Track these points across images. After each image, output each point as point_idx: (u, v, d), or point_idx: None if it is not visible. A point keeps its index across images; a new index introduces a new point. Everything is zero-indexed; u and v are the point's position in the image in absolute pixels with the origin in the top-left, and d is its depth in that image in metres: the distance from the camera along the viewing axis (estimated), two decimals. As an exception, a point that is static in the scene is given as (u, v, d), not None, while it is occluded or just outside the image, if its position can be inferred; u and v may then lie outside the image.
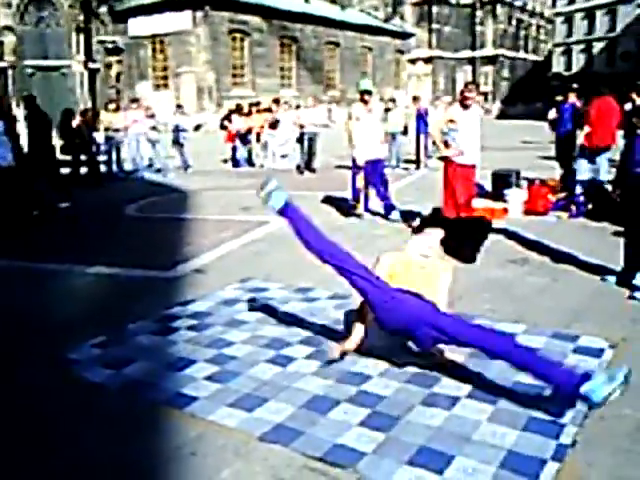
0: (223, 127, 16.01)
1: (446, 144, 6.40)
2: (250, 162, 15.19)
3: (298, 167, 13.55)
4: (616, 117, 7.74)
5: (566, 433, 2.61)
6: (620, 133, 8.06)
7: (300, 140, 13.58)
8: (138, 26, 37.77)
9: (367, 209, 7.92)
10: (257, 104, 16.69)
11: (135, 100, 14.89)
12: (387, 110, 13.55)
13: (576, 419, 2.72)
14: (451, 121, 6.31)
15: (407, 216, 7.65)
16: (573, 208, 7.46)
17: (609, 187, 6.84)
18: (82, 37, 38.14)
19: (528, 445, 2.53)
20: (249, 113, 15.35)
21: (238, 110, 15.32)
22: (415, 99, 14.92)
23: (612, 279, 4.71)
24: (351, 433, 2.67)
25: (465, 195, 6.28)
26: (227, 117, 15.74)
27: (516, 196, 7.79)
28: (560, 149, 10.29)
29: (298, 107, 15.01)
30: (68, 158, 12.50)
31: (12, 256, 6.31)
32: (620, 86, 12.20)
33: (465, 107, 6.21)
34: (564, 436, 2.59)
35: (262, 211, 8.40)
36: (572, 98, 9.97)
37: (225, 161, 15.69)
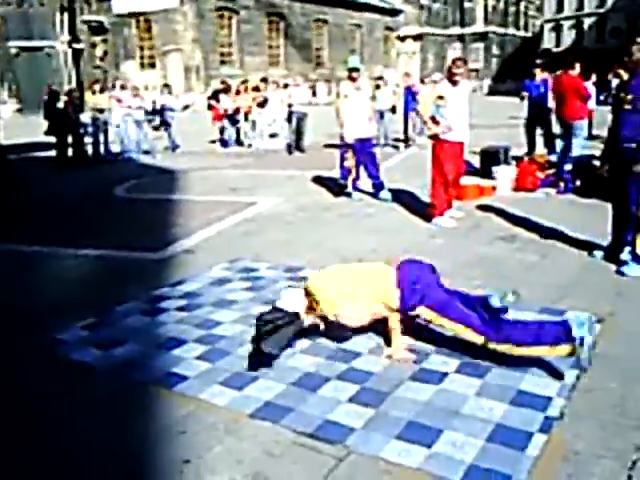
0: (210, 107, 15.87)
1: (434, 121, 6.32)
2: (239, 142, 15.08)
3: (287, 147, 13.47)
4: (581, 92, 7.75)
5: (553, 406, 2.64)
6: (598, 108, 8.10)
7: (289, 119, 13.48)
8: (123, 4, 37.15)
9: (356, 188, 7.90)
10: (245, 82, 16.51)
11: (122, 86, 14.62)
12: (377, 87, 13.46)
13: (563, 392, 2.76)
14: (440, 97, 6.20)
15: (395, 193, 7.65)
16: (561, 184, 7.48)
17: (597, 163, 6.85)
18: (66, 17, 37.53)
19: (516, 418, 2.56)
20: (238, 92, 15.19)
21: (225, 90, 15.15)
22: (407, 74, 14.82)
23: (600, 254, 4.74)
24: (341, 409, 2.69)
25: (453, 173, 6.23)
26: (213, 96, 15.59)
27: (505, 173, 7.80)
28: (529, 125, 10.36)
29: (286, 86, 14.85)
30: (53, 140, 12.39)
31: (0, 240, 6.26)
32: (610, 62, 12.18)
33: (454, 83, 6.14)
34: (551, 409, 2.62)
35: (250, 192, 8.43)
36: (540, 74, 10.01)
37: (213, 142, 15.57)
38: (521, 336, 2.93)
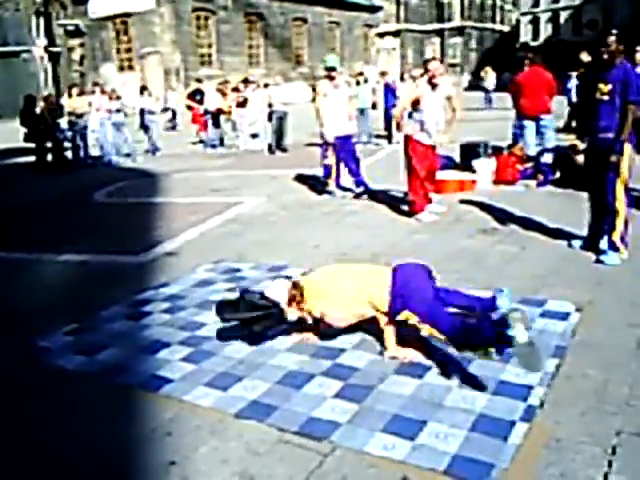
0: (189, 107, 15.86)
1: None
2: (221, 143, 15.02)
3: (269, 147, 13.46)
4: (548, 86, 7.83)
5: (534, 394, 2.69)
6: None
7: (270, 119, 13.46)
8: (99, 7, 36.83)
9: (339, 185, 7.92)
10: (225, 83, 16.45)
11: (96, 84, 14.56)
12: (357, 83, 13.50)
13: (544, 380, 2.80)
14: (416, 101, 6.12)
15: (376, 190, 7.69)
16: (540, 176, 7.56)
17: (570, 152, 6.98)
18: (42, 21, 37.12)
19: (498, 408, 2.60)
20: (224, 94, 15.09)
21: (222, 92, 15.04)
22: (382, 74, 14.87)
23: (578, 244, 4.81)
24: (326, 405, 2.71)
25: (426, 169, 6.23)
26: (192, 96, 15.62)
27: (485, 166, 7.86)
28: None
29: (267, 86, 14.82)
30: (32, 146, 12.26)
31: (-21, 247, 6.19)
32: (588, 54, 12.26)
33: (432, 86, 6.04)
34: (532, 397, 2.66)
35: (233, 192, 8.41)
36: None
37: (194, 143, 15.54)
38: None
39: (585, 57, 9.32)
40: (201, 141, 15.12)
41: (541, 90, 7.75)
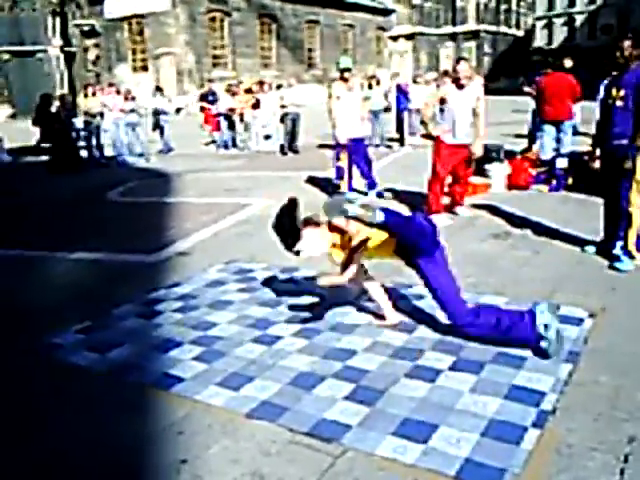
0: (202, 109, 15.99)
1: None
2: (234, 144, 15.09)
3: (281, 148, 13.49)
4: (571, 91, 7.80)
5: (546, 400, 2.67)
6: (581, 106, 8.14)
7: (282, 120, 13.49)
8: (114, 8, 37.11)
9: (351, 188, 7.92)
10: (239, 84, 16.54)
11: (111, 84, 14.69)
12: (369, 87, 13.50)
13: (556, 386, 2.78)
14: (442, 100, 6.17)
15: (389, 193, 7.70)
16: (554, 181, 7.52)
17: (586, 158, 6.93)
18: (58, 21, 37.47)
19: (510, 413, 2.59)
20: (234, 94, 15.16)
21: (232, 92, 15.12)
22: (395, 75, 14.87)
23: (592, 249, 4.78)
24: (336, 407, 2.71)
25: (446, 173, 6.26)
26: (204, 98, 15.74)
27: (498, 171, 7.84)
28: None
29: (279, 87, 14.86)
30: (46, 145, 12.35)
31: (-6, 244, 6.25)
32: (601, 59, 12.22)
33: (459, 87, 6.07)
34: (545, 403, 2.65)
35: (245, 193, 8.43)
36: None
37: (207, 144, 15.63)
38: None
39: (568, 63, 9.21)
40: (213, 141, 15.19)
41: (564, 95, 7.71)
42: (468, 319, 3.14)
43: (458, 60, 6.29)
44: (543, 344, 3.01)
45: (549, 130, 7.88)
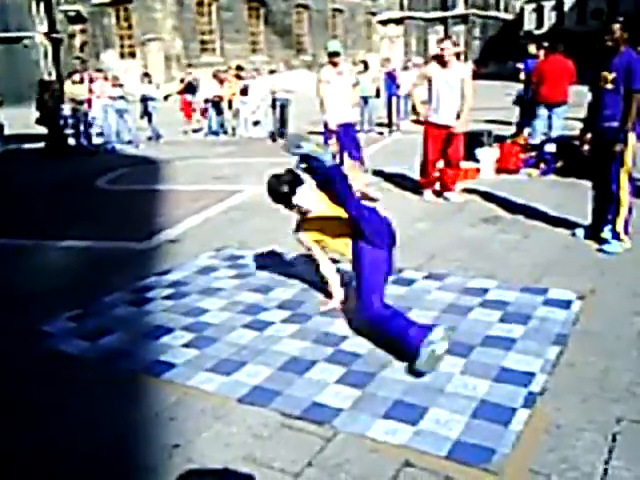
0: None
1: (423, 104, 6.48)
2: (224, 131, 14.99)
3: (271, 134, 13.42)
4: (568, 74, 7.83)
5: (536, 381, 2.70)
6: (578, 89, 8.19)
7: (272, 106, 13.41)
8: (100, -8, 36.59)
9: (341, 173, 7.90)
10: (227, 70, 16.39)
11: (99, 70, 14.53)
12: (360, 72, 13.42)
13: (545, 368, 2.81)
14: (427, 78, 6.24)
15: (379, 178, 7.70)
16: (543, 165, 7.55)
17: (576, 142, 6.96)
18: (43, 7, 36.94)
19: (499, 394, 2.61)
20: (221, 80, 15.03)
21: (220, 79, 14.98)
22: (386, 60, 14.79)
23: (581, 233, 4.81)
24: (328, 391, 2.72)
25: (435, 155, 6.39)
26: (186, 90, 15.51)
27: (488, 155, 7.84)
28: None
29: (272, 72, 14.75)
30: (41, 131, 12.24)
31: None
32: (591, 44, 12.20)
33: (443, 64, 6.12)
34: (534, 384, 2.68)
35: (235, 180, 8.40)
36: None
37: (185, 132, 15.47)
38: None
39: (533, 49, 9.20)
40: (194, 130, 15.16)
41: (561, 79, 7.72)
42: (378, 312, 3.04)
43: (442, 39, 6.33)
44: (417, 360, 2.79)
45: (542, 113, 7.93)
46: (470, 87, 6.23)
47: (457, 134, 6.28)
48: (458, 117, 6.19)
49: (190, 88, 15.74)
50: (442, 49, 6.12)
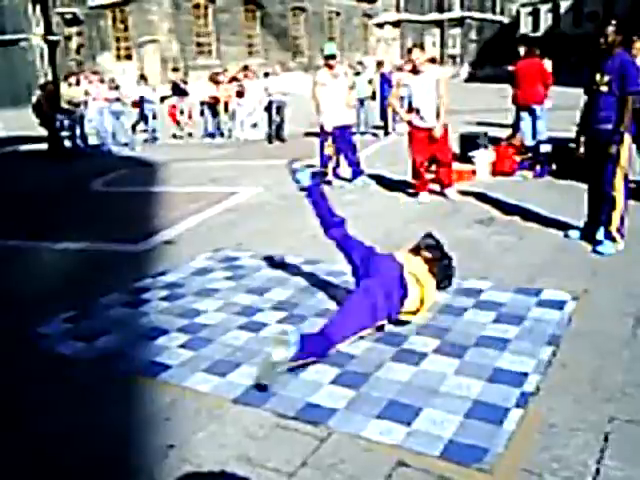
0: (163, 100, 15.60)
1: (409, 109, 6.57)
2: (221, 133, 14.99)
3: (268, 136, 13.44)
4: (542, 77, 7.91)
5: (529, 381, 2.72)
6: (572, 91, 8.28)
7: (268, 109, 13.42)
8: (97, -5, 36.55)
9: (336, 175, 7.93)
10: (224, 72, 16.39)
11: (95, 73, 14.53)
12: (357, 74, 13.47)
13: (538, 368, 2.83)
14: (405, 85, 6.50)
15: (375, 181, 7.72)
16: (538, 167, 7.58)
17: (572, 145, 6.99)
18: (39, 9, 36.84)
19: (493, 395, 2.63)
20: (217, 82, 15.00)
21: (215, 81, 14.94)
22: (379, 64, 14.83)
23: (575, 234, 4.83)
24: (322, 391, 2.74)
25: (423, 156, 6.57)
26: (174, 92, 15.27)
27: (483, 157, 7.87)
28: None
29: (267, 75, 14.76)
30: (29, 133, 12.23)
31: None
32: (586, 46, 12.26)
33: (415, 72, 6.31)
34: (527, 384, 2.69)
35: (231, 182, 8.41)
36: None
37: (174, 136, 15.33)
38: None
39: (522, 51, 9.28)
40: (174, 136, 14.90)
41: (535, 80, 7.81)
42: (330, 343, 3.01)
43: (410, 49, 6.54)
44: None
45: (524, 116, 8.04)
46: (445, 87, 6.38)
47: (439, 136, 6.37)
48: (437, 117, 6.31)
49: (176, 90, 15.40)
50: (412, 59, 6.32)
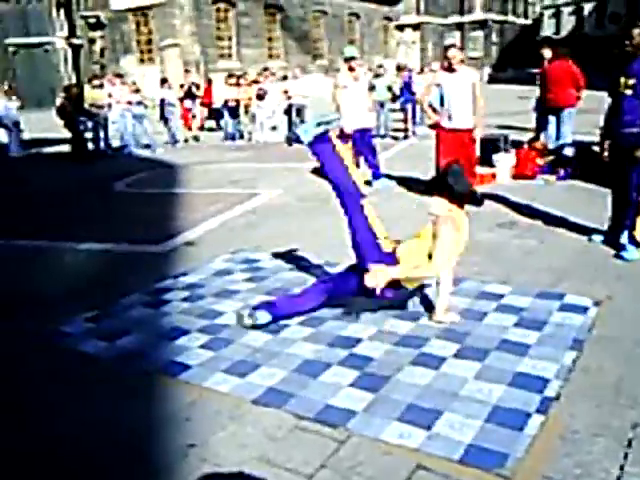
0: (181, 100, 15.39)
1: (433, 110, 6.52)
2: (240, 135, 15.08)
3: (287, 139, 13.44)
4: (573, 79, 7.79)
5: (550, 387, 2.69)
6: (595, 94, 8.16)
7: (288, 111, 13.46)
8: (120, -1, 37.00)
9: (356, 178, 7.91)
10: (244, 75, 16.50)
11: (118, 75, 14.71)
12: (377, 76, 13.45)
13: (560, 373, 2.80)
14: (437, 85, 6.42)
15: (395, 182, 7.71)
16: (561, 171, 7.50)
17: (596, 148, 6.88)
18: (63, 12, 37.41)
19: (513, 399, 2.61)
20: (238, 85, 15.07)
21: (236, 83, 14.96)
22: (399, 68, 14.78)
23: (599, 239, 4.77)
24: (342, 394, 2.74)
25: (449, 157, 6.39)
26: (188, 95, 15.24)
27: (504, 161, 7.81)
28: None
29: (285, 78, 14.82)
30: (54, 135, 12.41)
31: (1, 235, 6.29)
32: (609, 48, 12.10)
33: (450, 71, 6.27)
34: (548, 390, 2.67)
35: (251, 184, 8.45)
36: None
37: (186, 140, 15.10)
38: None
39: (547, 53, 9.14)
40: (185, 140, 14.91)
41: (566, 82, 7.70)
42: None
43: (448, 47, 6.51)
44: None
45: (552, 119, 7.94)
46: (480, 91, 6.39)
47: (473, 139, 6.36)
48: (474, 122, 6.26)
49: (190, 94, 15.32)
50: (449, 57, 6.30)
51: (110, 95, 13.31)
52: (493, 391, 2.68)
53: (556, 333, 3.21)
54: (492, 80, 48.02)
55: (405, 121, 13.63)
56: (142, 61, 38.03)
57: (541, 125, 9.17)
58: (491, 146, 8.35)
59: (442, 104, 6.46)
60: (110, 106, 13.35)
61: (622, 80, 4.44)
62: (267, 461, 2.31)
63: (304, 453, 2.34)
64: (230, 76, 15.42)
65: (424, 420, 2.49)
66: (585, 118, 10.37)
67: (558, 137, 7.92)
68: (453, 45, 6.57)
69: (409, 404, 2.62)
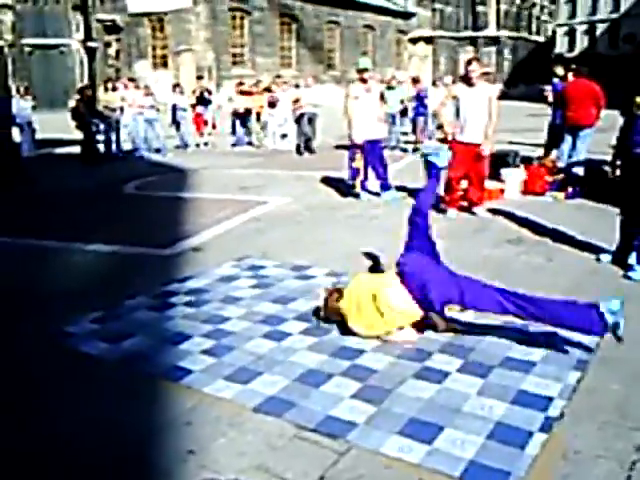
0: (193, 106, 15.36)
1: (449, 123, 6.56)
2: (250, 142, 15.14)
3: (297, 147, 13.51)
4: (594, 98, 7.73)
5: (554, 406, 2.67)
6: (609, 113, 8.11)
7: (299, 120, 13.50)
8: (137, 4, 37.33)
9: (365, 189, 7.93)
10: (257, 83, 16.57)
11: (132, 80, 14.81)
12: (390, 88, 13.49)
13: (564, 393, 2.78)
14: (454, 98, 6.43)
15: (403, 194, 7.70)
16: (570, 189, 7.47)
17: (607, 168, 6.87)
18: (80, 15, 37.79)
19: (516, 417, 2.59)
20: (250, 93, 15.15)
21: (247, 92, 15.02)
22: (414, 81, 14.80)
23: (607, 258, 4.75)
24: (343, 405, 2.72)
25: (460, 172, 6.46)
26: (199, 101, 15.28)
27: (513, 176, 7.80)
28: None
29: (297, 86, 14.87)
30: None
31: (10, 234, 6.33)
32: (623, 68, 12.07)
33: (469, 84, 6.27)
34: (552, 409, 2.64)
35: (260, 191, 8.47)
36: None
37: (197, 145, 15.11)
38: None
39: (560, 71, 9.11)
40: (197, 145, 14.96)
41: (586, 102, 7.64)
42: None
43: (470, 61, 6.48)
44: None
45: (568, 138, 7.87)
46: (496, 107, 6.34)
47: (487, 153, 6.37)
48: (485, 136, 6.26)
49: (202, 100, 15.34)
50: (470, 70, 6.28)
51: (123, 98, 13.40)
52: (495, 408, 2.66)
53: (561, 352, 3.19)
54: (503, 96, 48.04)
55: (415, 132, 13.65)
56: (156, 66, 38.30)
57: (552, 142, 9.16)
58: (500, 161, 8.35)
59: (457, 117, 6.47)
60: (122, 109, 13.43)
61: (637, 100, 4.44)
62: (266, 470, 2.30)
63: (303, 463, 2.32)
64: (240, 83, 15.50)
65: (425, 435, 2.47)
66: (597, 137, 10.35)
67: (570, 155, 7.88)
68: (476, 59, 6.56)
69: (410, 418, 2.60)
